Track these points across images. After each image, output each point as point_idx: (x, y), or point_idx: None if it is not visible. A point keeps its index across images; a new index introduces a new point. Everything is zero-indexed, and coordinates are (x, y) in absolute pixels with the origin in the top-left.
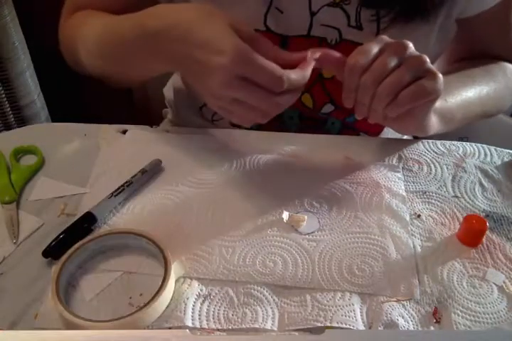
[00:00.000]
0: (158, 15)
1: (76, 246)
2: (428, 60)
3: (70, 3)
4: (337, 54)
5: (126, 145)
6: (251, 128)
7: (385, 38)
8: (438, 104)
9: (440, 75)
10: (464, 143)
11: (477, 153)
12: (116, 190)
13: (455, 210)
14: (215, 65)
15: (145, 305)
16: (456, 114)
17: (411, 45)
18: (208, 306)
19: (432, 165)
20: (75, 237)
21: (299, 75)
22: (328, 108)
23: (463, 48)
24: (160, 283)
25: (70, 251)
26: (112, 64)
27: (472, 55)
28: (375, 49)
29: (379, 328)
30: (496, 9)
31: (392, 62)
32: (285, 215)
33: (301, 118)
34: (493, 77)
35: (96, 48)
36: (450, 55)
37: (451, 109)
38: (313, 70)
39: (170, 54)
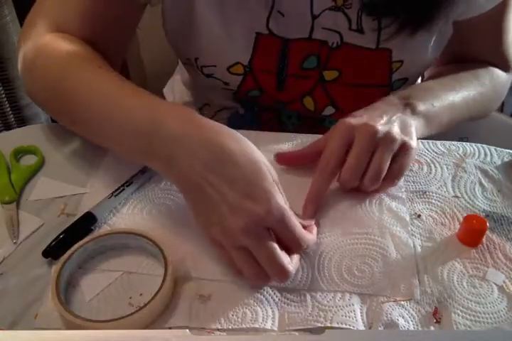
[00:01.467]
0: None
1: (76, 246)
2: (398, 132)
3: (44, 15)
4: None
5: None
6: (250, 129)
7: (349, 121)
8: (424, 108)
9: (414, 145)
10: (463, 143)
11: (477, 153)
12: (116, 190)
13: (455, 210)
14: (248, 209)
15: (145, 305)
16: (443, 118)
17: (378, 126)
18: (208, 306)
19: (432, 165)
20: (75, 237)
21: (313, 242)
22: (329, 110)
23: (452, 51)
24: (160, 283)
25: (70, 251)
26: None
27: (460, 58)
28: (341, 143)
29: (379, 328)
30: (489, 14)
31: (367, 153)
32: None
33: (299, 117)
34: (480, 81)
35: (87, 126)
36: (439, 57)
37: (438, 113)
38: (315, 73)
39: (187, 178)
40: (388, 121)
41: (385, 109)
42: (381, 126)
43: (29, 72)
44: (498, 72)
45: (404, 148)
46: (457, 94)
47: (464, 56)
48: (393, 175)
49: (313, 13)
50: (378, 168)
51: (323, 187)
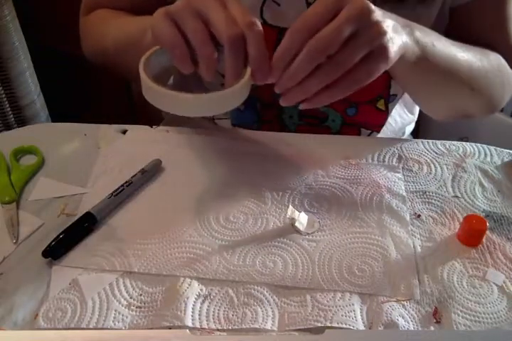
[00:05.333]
0: None
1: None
2: (391, 29)
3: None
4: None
5: (126, 145)
6: (251, 128)
7: None
8: (423, 40)
9: (393, 55)
10: (463, 143)
11: (477, 153)
12: (116, 190)
13: (455, 210)
14: None
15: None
16: (439, 61)
17: (376, 11)
18: (208, 306)
19: (432, 165)
20: (75, 237)
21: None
22: None
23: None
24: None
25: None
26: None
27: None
28: (328, 7)
29: (379, 328)
30: (486, 3)
31: (347, 30)
32: (290, 210)
33: (300, 116)
34: (488, 58)
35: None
36: None
37: (435, 52)
38: None
39: None
40: (385, 15)
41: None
42: (378, 12)
43: (83, 38)
44: (504, 63)
45: (384, 50)
46: (462, 53)
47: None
48: (357, 75)
49: (309, 0)
50: (349, 54)
51: (293, 46)
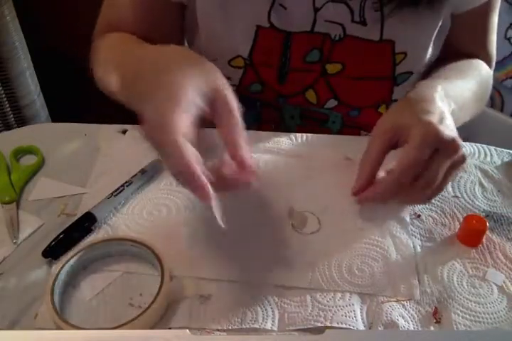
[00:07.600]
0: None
1: (71, 254)
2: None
3: (103, 20)
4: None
5: (126, 145)
6: (251, 129)
7: (435, 130)
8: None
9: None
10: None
11: (477, 153)
12: (116, 190)
13: (455, 210)
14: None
15: (134, 318)
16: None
17: (459, 142)
18: (208, 306)
19: None
20: (74, 237)
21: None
22: (331, 103)
23: (444, 44)
24: (157, 290)
25: (64, 260)
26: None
27: (451, 52)
28: (425, 154)
29: (379, 328)
30: (478, 11)
31: (444, 166)
32: (290, 210)
33: (301, 117)
34: (480, 84)
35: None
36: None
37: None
38: (317, 66)
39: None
40: (450, 127)
41: (443, 109)
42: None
43: (94, 65)
44: (488, 70)
45: (461, 160)
46: (470, 93)
47: (454, 50)
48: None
49: (316, 5)
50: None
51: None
